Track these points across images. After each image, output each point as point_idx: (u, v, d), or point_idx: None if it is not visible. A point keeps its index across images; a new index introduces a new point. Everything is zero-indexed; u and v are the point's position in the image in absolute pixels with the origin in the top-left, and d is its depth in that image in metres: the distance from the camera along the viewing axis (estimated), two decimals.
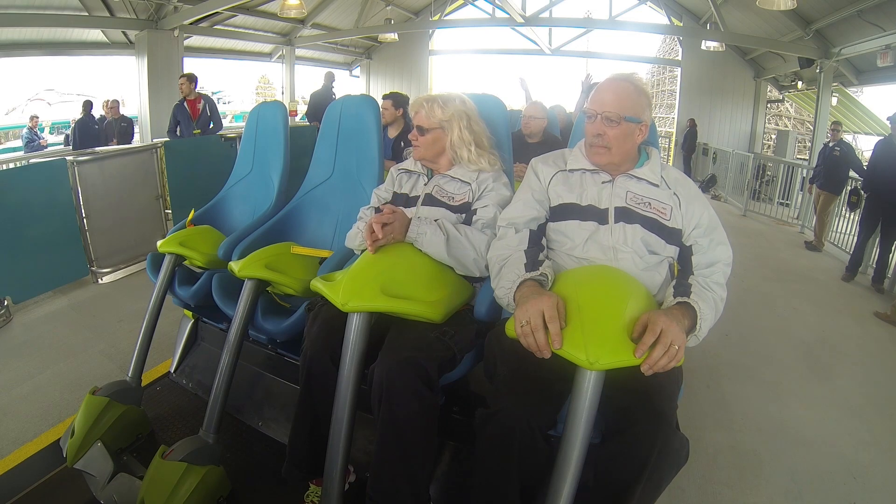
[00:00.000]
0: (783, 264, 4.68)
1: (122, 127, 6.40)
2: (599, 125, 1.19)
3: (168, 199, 3.90)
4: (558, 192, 1.25)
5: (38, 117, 8.19)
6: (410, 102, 1.52)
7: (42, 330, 2.62)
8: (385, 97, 3.36)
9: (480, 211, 1.35)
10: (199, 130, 4.69)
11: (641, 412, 0.96)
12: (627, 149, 1.22)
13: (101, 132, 6.45)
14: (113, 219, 3.49)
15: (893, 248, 4.05)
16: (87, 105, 6.85)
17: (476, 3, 10.79)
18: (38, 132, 8.16)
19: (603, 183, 1.23)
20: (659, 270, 1.16)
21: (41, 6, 6.37)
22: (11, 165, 3.96)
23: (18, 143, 8.70)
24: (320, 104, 5.60)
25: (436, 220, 1.30)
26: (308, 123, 5.89)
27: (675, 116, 11.06)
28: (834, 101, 7.98)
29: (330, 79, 6.06)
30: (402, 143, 3.10)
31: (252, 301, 1.45)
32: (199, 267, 1.77)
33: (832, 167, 5.19)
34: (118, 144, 5.99)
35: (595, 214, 1.19)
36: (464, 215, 1.38)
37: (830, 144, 5.26)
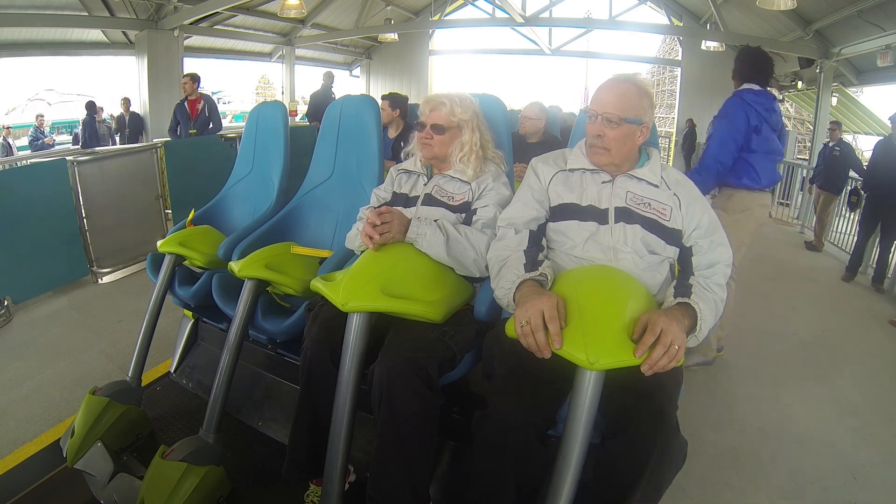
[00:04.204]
0: (783, 264, 4.68)
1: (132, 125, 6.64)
2: (599, 126, 1.19)
3: (168, 199, 3.90)
4: (558, 192, 1.25)
5: (43, 116, 8.21)
6: (426, 99, 1.48)
7: (42, 330, 2.62)
8: (383, 97, 3.36)
9: (480, 211, 1.35)
10: (194, 131, 4.68)
11: (642, 412, 0.96)
12: (627, 150, 1.22)
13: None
14: (113, 219, 3.48)
15: (893, 248, 4.05)
16: (90, 106, 6.91)
17: (476, 3, 10.80)
18: (45, 131, 8.19)
19: (603, 183, 1.23)
20: (659, 270, 1.16)
21: (41, 6, 6.37)
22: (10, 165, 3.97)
23: (24, 141, 8.70)
24: (320, 104, 5.60)
25: (435, 221, 1.30)
26: (308, 123, 5.89)
27: (676, 116, 11.07)
28: (834, 101, 7.97)
29: (329, 79, 6.07)
30: (402, 144, 3.10)
31: (252, 301, 1.45)
32: (199, 267, 1.77)
33: (832, 167, 5.19)
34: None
35: (595, 214, 1.19)
36: (463, 215, 1.38)
37: (830, 144, 5.27)
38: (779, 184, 2.46)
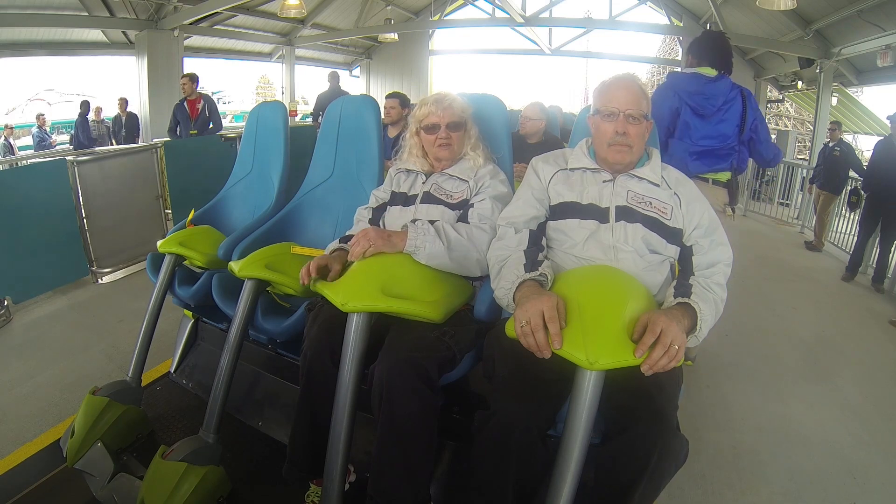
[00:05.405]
0: (783, 264, 4.68)
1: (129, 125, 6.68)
2: (622, 124, 1.18)
3: (168, 199, 3.90)
4: (559, 191, 1.25)
5: (44, 115, 8.20)
6: (435, 99, 1.44)
7: (42, 330, 2.62)
8: (391, 96, 3.37)
9: (477, 205, 1.34)
10: (195, 131, 4.68)
11: (642, 412, 0.96)
12: (642, 147, 1.23)
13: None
14: (113, 219, 3.48)
15: (893, 248, 4.05)
16: (83, 105, 6.92)
17: (476, 3, 10.78)
18: (48, 132, 8.19)
19: (604, 182, 1.23)
20: (660, 270, 1.16)
21: (41, 6, 6.36)
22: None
23: (27, 141, 8.67)
24: (326, 104, 5.57)
25: (434, 223, 1.28)
26: (311, 123, 5.88)
27: None
28: (834, 101, 7.96)
29: (335, 79, 6.02)
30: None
31: (252, 301, 1.45)
32: (199, 267, 1.77)
33: (832, 167, 5.19)
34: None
35: (596, 213, 1.19)
36: (461, 212, 1.38)
37: (830, 144, 5.27)
38: (733, 176, 2.22)
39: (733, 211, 2.25)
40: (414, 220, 1.34)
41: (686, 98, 2.14)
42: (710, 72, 2.18)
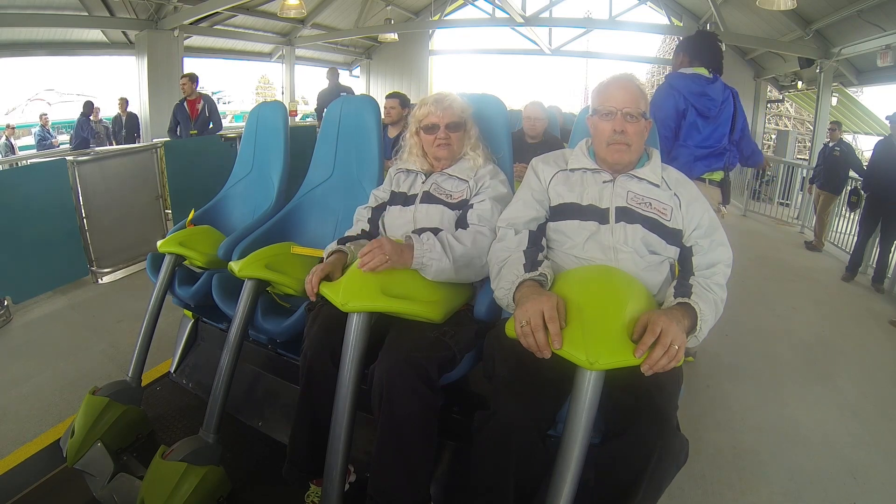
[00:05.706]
0: (783, 264, 4.68)
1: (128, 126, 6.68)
2: (620, 122, 1.18)
3: (168, 199, 3.90)
4: (559, 192, 1.25)
5: (47, 115, 8.21)
6: (435, 99, 1.44)
7: (42, 330, 2.62)
8: (391, 96, 3.37)
9: (477, 206, 1.34)
10: (195, 132, 4.68)
11: (642, 412, 0.96)
12: (641, 145, 1.23)
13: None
14: (113, 219, 3.48)
15: (893, 248, 4.05)
16: (88, 106, 6.92)
17: (476, 3, 10.79)
18: (50, 131, 8.21)
19: (604, 182, 1.23)
20: (660, 270, 1.16)
21: (41, 6, 6.37)
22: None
23: (28, 141, 8.68)
24: (327, 102, 5.56)
25: (438, 234, 1.26)
26: (315, 122, 5.88)
27: None
28: (834, 101, 7.96)
29: (335, 75, 5.99)
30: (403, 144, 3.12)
31: (252, 301, 1.45)
32: (199, 267, 1.77)
33: (832, 167, 5.19)
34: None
35: (596, 214, 1.19)
36: (461, 212, 1.37)
37: (830, 144, 5.27)
38: (726, 175, 2.23)
39: (725, 208, 2.27)
40: (416, 230, 1.32)
41: (692, 100, 2.12)
42: (705, 72, 2.17)
